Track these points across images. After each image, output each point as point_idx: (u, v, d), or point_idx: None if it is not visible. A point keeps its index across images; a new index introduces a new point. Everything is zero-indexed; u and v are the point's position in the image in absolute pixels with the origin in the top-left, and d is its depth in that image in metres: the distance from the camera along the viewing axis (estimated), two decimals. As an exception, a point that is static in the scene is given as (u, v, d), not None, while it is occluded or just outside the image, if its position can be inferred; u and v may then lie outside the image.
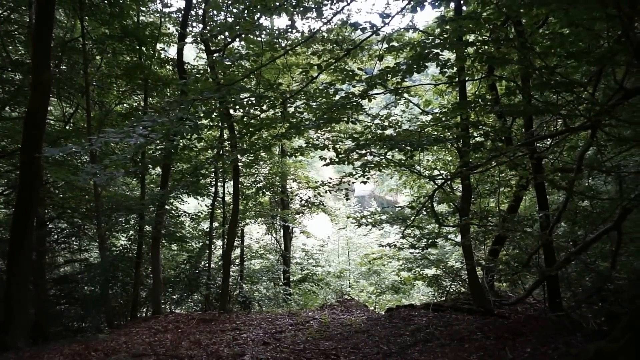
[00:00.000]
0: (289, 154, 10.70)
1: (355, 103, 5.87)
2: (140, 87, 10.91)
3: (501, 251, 8.80)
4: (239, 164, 11.12)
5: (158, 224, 9.82)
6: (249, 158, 12.48)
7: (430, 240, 7.87)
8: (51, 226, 11.03)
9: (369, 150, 6.37)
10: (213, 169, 11.90)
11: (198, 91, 5.55)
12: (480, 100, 5.90)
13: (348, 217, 11.83)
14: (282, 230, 16.80)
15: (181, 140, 8.53)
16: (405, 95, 8.52)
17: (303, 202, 15.32)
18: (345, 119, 6.14)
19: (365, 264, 17.46)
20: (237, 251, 14.85)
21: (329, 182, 10.09)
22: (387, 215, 9.25)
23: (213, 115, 5.85)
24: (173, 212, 12.30)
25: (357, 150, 6.12)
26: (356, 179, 7.33)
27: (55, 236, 11.10)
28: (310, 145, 7.00)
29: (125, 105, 11.93)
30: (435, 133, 6.84)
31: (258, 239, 17.32)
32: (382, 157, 6.69)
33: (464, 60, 5.49)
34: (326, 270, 17.70)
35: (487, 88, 7.89)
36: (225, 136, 11.08)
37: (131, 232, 11.36)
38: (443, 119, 6.17)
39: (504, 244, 8.78)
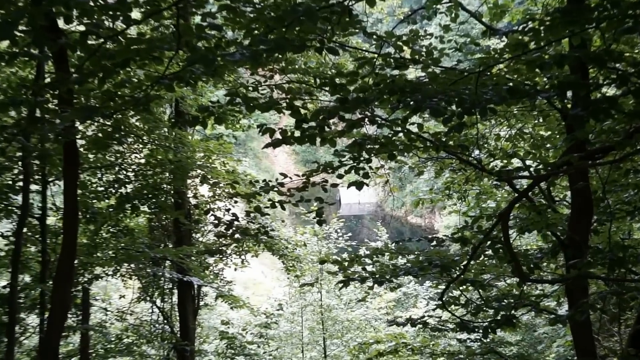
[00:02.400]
0: (190, 118, 10.59)
1: (339, 8, 5.83)
2: None
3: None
4: (78, 139, 10.89)
5: None
6: (101, 126, 12.26)
7: (502, 314, 7.91)
8: None
9: (368, 113, 6.34)
10: (19, 154, 11.64)
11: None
12: (610, 6, 5.97)
13: (323, 262, 11.74)
14: (176, 291, 16.63)
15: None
16: (450, -7, 8.54)
17: (223, 228, 15.20)
18: (317, 44, 6.10)
19: (362, 365, 17.50)
20: (75, 338, 14.58)
21: (282, 184, 9.97)
22: (409, 259, 9.24)
23: (17, 32, 5.71)
24: None
25: (342, 113, 6.09)
26: (340, 177, 7.28)
27: None
28: (239, 102, 6.92)
29: None
30: (514, 77, 6.87)
31: (122, 311, 17.11)
32: (398, 130, 6.68)
33: None
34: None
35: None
36: (47, 79, 10.86)
37: None
38: (532, 46, 6.21)
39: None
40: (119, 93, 7.05)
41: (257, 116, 62.23)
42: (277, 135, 6.46)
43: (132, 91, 7.11)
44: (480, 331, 8.08)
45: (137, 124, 13.34)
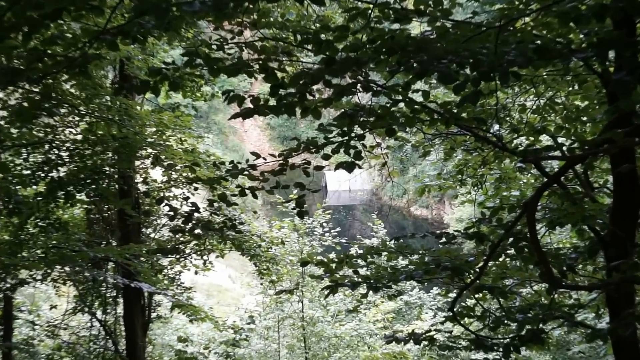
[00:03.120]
0: (138, 83, 10.52)
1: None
2: None
3: None
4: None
5: None
6: (27, 93, 12.20)
7: (528, 328, 7.93)
8: None
9: (361, 78, 6.33)
10: None
11: None
12: None
13: (305, 264, 11.75)
14: (121, 300, 16.58)
15: None
16: None
17: (180, 221, 15.21)
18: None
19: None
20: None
21: (254, 166, 9.94)
22: (412, 260, 9.25)
23: None
24: None
25: (328, 77, 6.07)
26: (326, 157, 7.27)
27: None
28: (199, 63, 6.91)
29: None
30: (543, 33, 6.87)
31: (54, 324, 17.04)
32: (398, 99, 6.68)
33: None
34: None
35: None
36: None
37: None
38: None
39: None
40: (49, 52, 7.01)
41: (222, 82, 62.13)
42: (248, 104, 6.44)
43: (66, 49, 7.08)
44: (501, 350, 8.09)
45: (72, 90, 13.25)
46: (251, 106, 6.41)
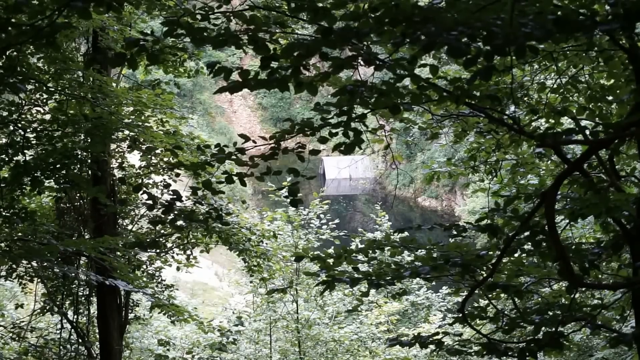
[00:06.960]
0: (113, 56, 10.52)
1: None
2: None
3: None
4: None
5: None
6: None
7: (545, 331, 7.94)
8: None
9: (362, 51, 6.34)
10: None
11: None
12: None
13: (299, 260, 11.76)
14: (95, 299, 16.58)
15: None
16: None
17: (160, 211, 15.21)
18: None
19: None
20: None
21: (243, 150, 9.91)
22: (419, 256, 9.24)
23: None
24: None
25: (325, 50, 6.08)
26: (323, 141, 7.27)
27: None
28: (182, 34, 6.92)
29: None
30: (564, 2, 6.87)
31: (19, 326, 17.06)
32: (403, 74, 6.68)
33: None
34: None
35: None
36: None
37: None
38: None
39: None
40: (13, 20, 7.01)
41: (209, 57, 62.11)
42: (236, 77, 6.42)
43: (32, 18, 7.07)
44: (515, 354, 8.10)
45: (40, 64, 13.23)
46: (240, 80, 6.40)
